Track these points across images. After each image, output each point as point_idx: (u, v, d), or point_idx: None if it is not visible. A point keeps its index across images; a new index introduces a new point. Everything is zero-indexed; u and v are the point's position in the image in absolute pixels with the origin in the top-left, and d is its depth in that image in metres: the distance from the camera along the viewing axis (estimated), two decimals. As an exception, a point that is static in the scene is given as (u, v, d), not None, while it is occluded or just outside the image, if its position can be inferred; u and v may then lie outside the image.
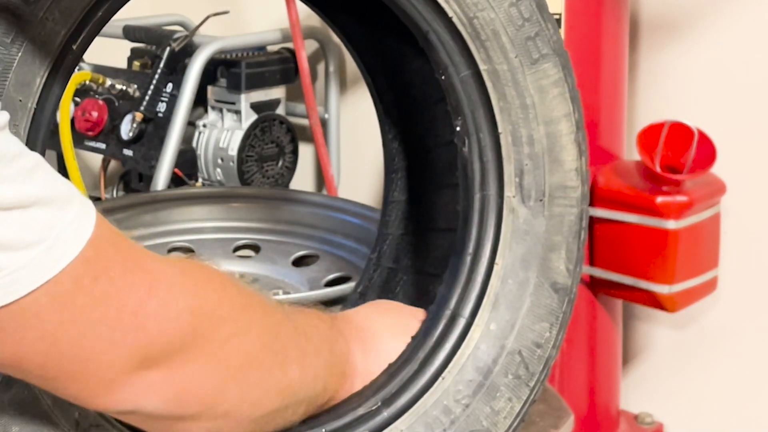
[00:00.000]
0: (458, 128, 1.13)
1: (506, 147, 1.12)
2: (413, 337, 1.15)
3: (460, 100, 1.12)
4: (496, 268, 1.13)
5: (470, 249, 1.14)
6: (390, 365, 1.15)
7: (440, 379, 1.12)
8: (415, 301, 1.31)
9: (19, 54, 0.91)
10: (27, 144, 0.94)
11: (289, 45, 2.26)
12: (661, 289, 1.70)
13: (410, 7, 1.09)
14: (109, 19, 0.99)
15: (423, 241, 1.31)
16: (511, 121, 1.12)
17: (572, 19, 1.70)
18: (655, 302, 1.73)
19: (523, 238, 1.13)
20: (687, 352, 2.01)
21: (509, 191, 1.13)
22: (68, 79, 0.98)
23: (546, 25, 1.11)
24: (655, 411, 1.96)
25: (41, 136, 0.95)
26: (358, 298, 1.34)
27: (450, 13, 1.08)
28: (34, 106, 0.93)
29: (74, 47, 0.95)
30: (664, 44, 1.94)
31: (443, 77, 1.12)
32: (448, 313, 1.14)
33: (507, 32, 1.10)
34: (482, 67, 1.10)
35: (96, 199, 2.29)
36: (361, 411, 1.11)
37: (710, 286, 1.78)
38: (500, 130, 1.12)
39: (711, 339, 1.97)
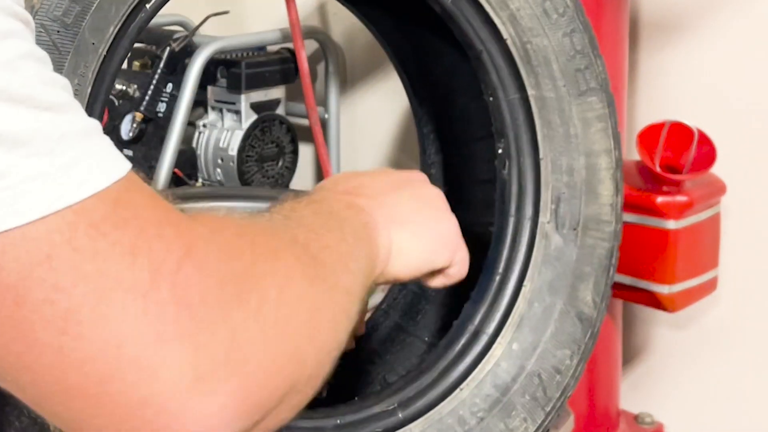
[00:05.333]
0: (500, 151, 1.15)
1: (546, 173, 1.14)
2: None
3: (504, 122, 1.14)
4: (523, 290, 1.15)
5: (500, 269, 1.16)
6: (409, 372, 1.17)
7: (458, 390, 1.13)
8: (437, 317, 1.33)
9: (99, -1, 0.92)
10: (91, 90, 0.94)
11: (289, 45, 2.24)
12: (661, 289, 1.69)
13: (467, 26, 1.10)
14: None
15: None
16: (553, 148, 1.14)
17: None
18: (655, 302, 1.72)
19: (553, 264, 1.15)
20: (687, 352, 2.00)
21: (544, 217, 1.15)
22: (136, 39, 0.99)
23: (596, 60, 1.14)
24: (654, 411, 1.93)
25: (105, 86, 0.96)
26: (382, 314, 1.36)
27: (505, 35, 1.10)
28: (104, 52, 0.94)
29: (147, 6, 0.97)
30: (664, 44, 1.93)
31: (491, 98, 1.14)
32: (471, 328, 1.15)
33: (558, 61, 1.12)
34: (531, 92, 1.12)
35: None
36: (377, 409, 1.12)
37: (710, 286, 1.76)
38: (542, 156, 1.14)
39: (711, 339, 1.96)
